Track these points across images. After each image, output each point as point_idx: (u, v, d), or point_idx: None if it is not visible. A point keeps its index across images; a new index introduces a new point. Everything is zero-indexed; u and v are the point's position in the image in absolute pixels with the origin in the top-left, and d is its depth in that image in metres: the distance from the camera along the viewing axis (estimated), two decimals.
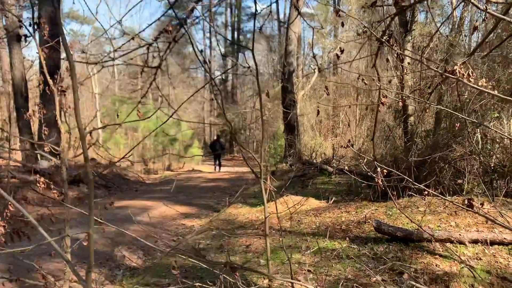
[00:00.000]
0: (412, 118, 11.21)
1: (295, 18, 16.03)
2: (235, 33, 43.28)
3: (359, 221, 5.71)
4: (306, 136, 19.20)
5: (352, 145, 3.78)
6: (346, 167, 10.81)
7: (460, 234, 4.85)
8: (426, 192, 2.59)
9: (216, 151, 19.14)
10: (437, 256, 4.61)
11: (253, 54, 2.41)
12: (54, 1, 12.39)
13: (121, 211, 8.96)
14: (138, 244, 6.33)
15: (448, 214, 5.44)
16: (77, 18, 39.25)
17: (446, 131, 8.17)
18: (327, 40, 24.96)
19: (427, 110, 9.17)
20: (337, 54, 2.76)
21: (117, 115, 6.54)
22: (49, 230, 3.33)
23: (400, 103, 10.17)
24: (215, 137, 24.43)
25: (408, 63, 10.77)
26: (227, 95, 41.89)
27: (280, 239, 5.50)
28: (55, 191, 3.34)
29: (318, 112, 15.49)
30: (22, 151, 12.63)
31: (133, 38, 2.48)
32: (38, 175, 10.97)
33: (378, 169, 2.97)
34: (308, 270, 4.39)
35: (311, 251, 4.89)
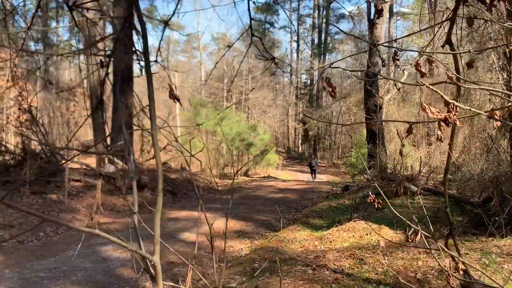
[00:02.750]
0: None
1: (379, 14, 14.32)
2: (322, 34, 41.79)
3: (441, 269, 4.24)
4: (393, 145, 17.27)
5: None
6: (432, 186, 9.04)
7: None
8: None
9: (313, 167, 23.52)
10: None
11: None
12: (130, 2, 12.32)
13: (172, 224, 8.32)
14: (170, 272, 5.51)
15: None
16: (169, 25, 40.59)
17: None
18: (422, 40, 22.59)
19: None
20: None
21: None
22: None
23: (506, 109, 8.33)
24: (312, 156, 30.42)
25: None
26: (311, 98, 40.60)
27: (331, 285, 4.27)
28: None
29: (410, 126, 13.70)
30: (91, 153, 12.73)
31: None
32: (102, 180, 10.83)
33: None
34: None
35: None
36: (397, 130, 18.38)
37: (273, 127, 36.00)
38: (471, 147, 11.27)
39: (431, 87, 1.43)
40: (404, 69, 13.69)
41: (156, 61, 9.76)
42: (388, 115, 17.01)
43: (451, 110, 1.31)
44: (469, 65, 1.61)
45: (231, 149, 21.31)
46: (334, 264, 4.91)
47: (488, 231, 5.85)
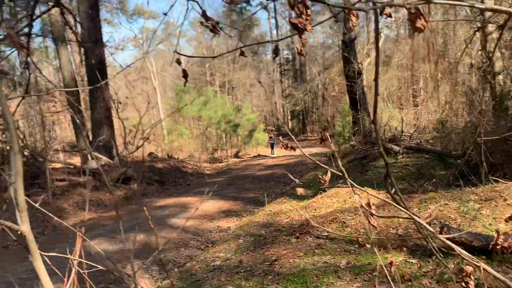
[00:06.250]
0: (501, 77, 9.15)
1: None
2: None
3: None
4: (378, 110, 17.26)
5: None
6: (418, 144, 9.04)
7: None
8: None
9: (272, 143, 23.75)
10: None
11: None
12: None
13: (160, 212, 8.28)
14: (157, 257, 5.47)
15: None
16: (143, 14, 39.76)
17: None
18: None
19: None
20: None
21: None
22: None
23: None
24: (270, 135, 29.85)
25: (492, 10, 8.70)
26: (295, 73, 40.35)
27: (314, 251, 4.26)
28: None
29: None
30: (73, 151, 12.57)
31: None
32: (86, 177, 10.69)
33: None
34: None
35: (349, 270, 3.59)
36: (384, 96, 18.33)
37: (259, 106, 35.80)
38: (453, 102, 11.25)
39: None
40: (381, 32, 13.43)
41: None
42: (369, 80, 16.92)
43: (299, 14, 1.11)
44: None
45: (219, 132, 21.17)
46: (317, 230, 4.90)
47: (466, 181, 5.88)
